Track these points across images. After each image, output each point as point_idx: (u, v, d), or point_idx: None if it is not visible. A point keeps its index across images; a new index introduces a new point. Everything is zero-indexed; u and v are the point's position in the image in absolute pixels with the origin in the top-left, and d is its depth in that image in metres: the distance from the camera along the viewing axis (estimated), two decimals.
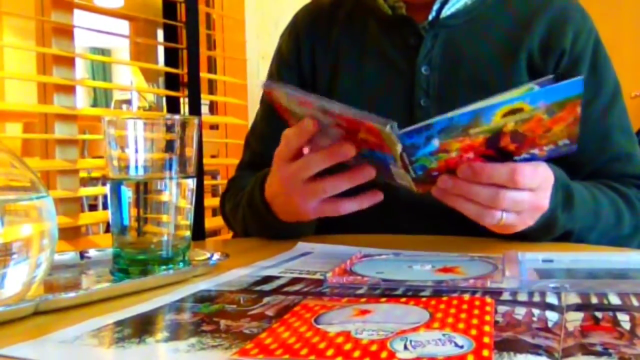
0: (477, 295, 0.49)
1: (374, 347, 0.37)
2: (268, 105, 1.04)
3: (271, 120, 1.02)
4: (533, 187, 0.65)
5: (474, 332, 0.39)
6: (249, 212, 0.85)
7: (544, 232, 0.73)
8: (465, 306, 0.45)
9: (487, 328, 0.40)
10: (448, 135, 0.57)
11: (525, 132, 0.58)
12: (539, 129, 0.57)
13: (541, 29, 0.90)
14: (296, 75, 1.00)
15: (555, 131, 0.58)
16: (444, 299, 0.47)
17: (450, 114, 0.56)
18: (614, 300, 0.48)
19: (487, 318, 0.42)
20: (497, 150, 0.60)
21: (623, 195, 0.84)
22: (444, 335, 0.39)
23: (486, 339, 0.37)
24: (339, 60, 0.98)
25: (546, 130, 0.58)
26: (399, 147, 0.59)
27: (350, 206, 0.71)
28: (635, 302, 0.47)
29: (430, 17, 0.91)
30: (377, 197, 0.71)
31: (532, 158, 0.62)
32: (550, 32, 0.90)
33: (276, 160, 0.75)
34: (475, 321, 0.41)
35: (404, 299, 0.48)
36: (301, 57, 1.00)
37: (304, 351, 0.37)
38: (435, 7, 0.91)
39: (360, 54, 0.97)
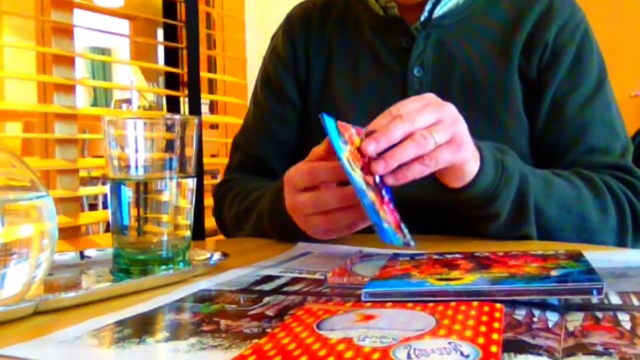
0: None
1: (376, 355, 0.36)
2: (260, 107, 1.03)
3: (264, 123, 1.02)
4: (418, 104, 0.63)
5: (481, 340, 0.37)
6: (269, 219, 0.81)
7: (504, 180, 0.71)
8: (473, 312, 0.43)
9: (495, 336, 0.38)
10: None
11: None
12: None
13: (529, 26, 0.89)
14: (294, 75, 0.99)
15: None
16: (452, 304, 0.45)
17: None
18: (614, 299, 0.48)
19: (496, 325, 0.40)
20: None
21: (578, 173, 0.81)
22: (449, 343, 0.37)
23: (494, 348, 0.36)
24: (332, 60, 0.97)
25: None
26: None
27: (361, 224, 0.69)
28: (635, 302, 0.47)
29: (422, 18, 0.90)
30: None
31: None
32: (535, 29, 0.89)
33: (287, 187, 0.71)
34: (483, 328, 0.40)
35: (410, 304, 0.46)
36: (297, 57, 0.99)
37: (303, 358, 0.36)
38: (428, 7, 0.90)
39: (353, 55, 0.96)
